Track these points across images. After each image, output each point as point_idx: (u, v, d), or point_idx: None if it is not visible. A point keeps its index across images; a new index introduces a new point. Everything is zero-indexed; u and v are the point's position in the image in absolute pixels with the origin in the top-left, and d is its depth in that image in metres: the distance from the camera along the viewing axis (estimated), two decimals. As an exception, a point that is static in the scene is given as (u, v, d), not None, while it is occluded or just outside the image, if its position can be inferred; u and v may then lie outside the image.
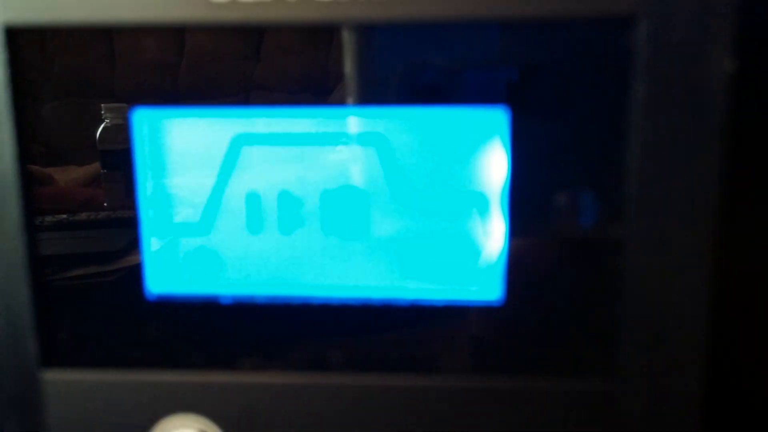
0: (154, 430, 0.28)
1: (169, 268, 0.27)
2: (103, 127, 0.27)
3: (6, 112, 0.25)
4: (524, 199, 0.26)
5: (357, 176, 0.26)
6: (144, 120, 0.26)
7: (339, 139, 0.26)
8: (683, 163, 0.24)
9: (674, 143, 0.24)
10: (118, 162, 0.28)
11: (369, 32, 0.25)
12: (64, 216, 0.28)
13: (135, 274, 0.27)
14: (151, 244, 0.27)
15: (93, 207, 0.28)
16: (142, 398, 0.28)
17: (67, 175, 0.27)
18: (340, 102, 0.26)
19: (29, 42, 0.25)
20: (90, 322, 0.28)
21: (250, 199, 0.26)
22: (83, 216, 0.28)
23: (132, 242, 0.27)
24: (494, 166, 0.26)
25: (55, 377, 0.28)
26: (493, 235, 0.26)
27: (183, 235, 0.27)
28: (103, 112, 0.27)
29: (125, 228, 0.27)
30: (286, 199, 0.26)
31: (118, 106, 0.27)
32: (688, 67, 0.24)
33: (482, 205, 0.26)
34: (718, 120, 0.24)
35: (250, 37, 0.26)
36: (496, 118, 0.25)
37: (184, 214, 0.27)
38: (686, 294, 0.25)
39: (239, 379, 0.27)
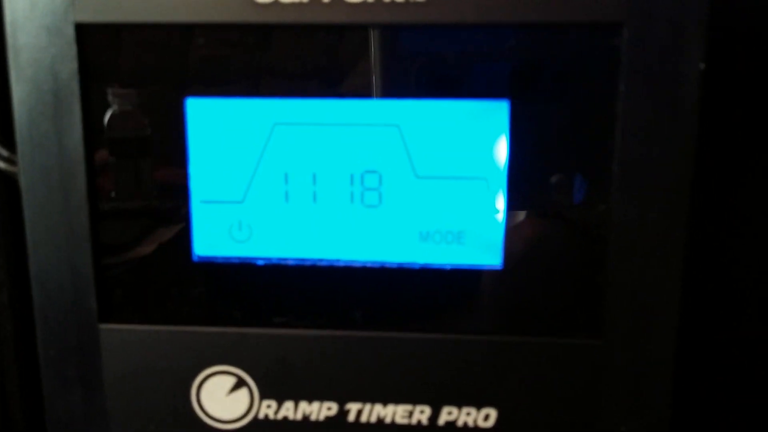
0: (197, 378, 0.31)
1: (212, 234, 0.31)
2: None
3: (76, 101, 0.28)
4: (521, 179, 0.29)
5: (376, 157, 0.29)
6: (195, 108, 0.29)
7: (361, 125, 0.29)
8: (660, 148, 0.27)
9: (653, 131, 0.27)
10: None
11: (392, 33, 0.28)
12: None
13: (182, 239, 0.30)
14: (198, 213, 0.30)
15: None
16: (185, 351, 0.31)
17: None
18: (363, 94, 0.29)
19: (96, 38, 0.28)
20: (141, 283, 0.31)
21: (283, 175, 0.30)
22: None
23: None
24: (496, 150, 0.29)
25: (110, 330, 0.31)
26: (495, 210, 0.30)
27: (225, 205, 0.30)
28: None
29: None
30: (314, 175, 0.30)
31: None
32: (665, 66, 0.27)
33: (486, 185, 0.29)
34: (691, 111, 0.27)
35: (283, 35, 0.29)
36: (499, 110, 0.29)
37: (226, 187, 0.30)
38: (662, 265, 0.28)
39: (271, 334, 0.31)
